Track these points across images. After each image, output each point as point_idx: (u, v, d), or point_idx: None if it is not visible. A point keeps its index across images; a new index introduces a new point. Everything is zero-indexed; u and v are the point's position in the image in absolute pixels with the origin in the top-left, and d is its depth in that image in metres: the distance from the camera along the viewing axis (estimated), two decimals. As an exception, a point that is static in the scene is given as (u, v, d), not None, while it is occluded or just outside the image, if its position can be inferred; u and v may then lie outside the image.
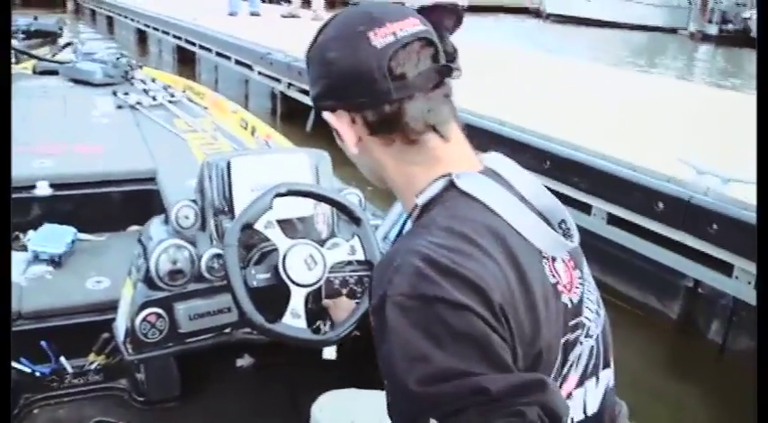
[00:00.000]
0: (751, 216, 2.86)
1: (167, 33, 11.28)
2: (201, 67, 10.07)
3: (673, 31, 25.48)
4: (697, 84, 11.89)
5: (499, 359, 0.75)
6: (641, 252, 3.53)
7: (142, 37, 13.62)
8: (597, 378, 0.95)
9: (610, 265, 3.71)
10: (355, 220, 1.56)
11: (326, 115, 0.95)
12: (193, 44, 9.92)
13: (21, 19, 5.14)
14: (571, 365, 0.90)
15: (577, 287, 0.93)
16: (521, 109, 4.77)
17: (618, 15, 25.73)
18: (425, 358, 0.74)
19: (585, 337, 0.92)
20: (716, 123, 5.02)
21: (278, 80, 7.30)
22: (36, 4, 19.94)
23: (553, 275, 0.89)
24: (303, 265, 1.44)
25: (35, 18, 5.31)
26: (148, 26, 12.57)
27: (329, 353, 1.56)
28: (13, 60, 4.65)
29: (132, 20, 13.86)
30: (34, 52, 4.73)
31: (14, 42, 4.73)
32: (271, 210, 1.44)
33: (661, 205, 3.31)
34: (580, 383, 0.92)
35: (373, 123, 0.91)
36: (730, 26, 23.36)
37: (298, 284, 1.42)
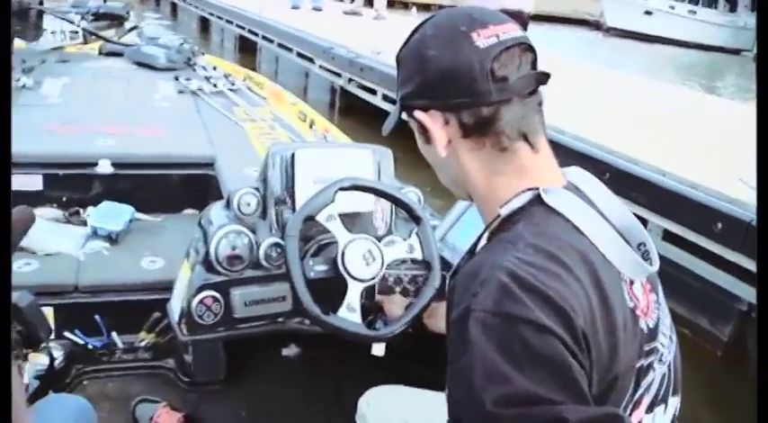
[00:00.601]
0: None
1: (231, 23, 11.46)
2: (262, 58, 10.16)
3: (736, 52, 24.80)
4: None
5: (577, 387, 0.73)
6: (696, 271, 3.48)
7: (205, 25, 13.76)
8: (666, 404, 0.93)
9: (663, 282, 3.66)
10: (415, 219, 1.56)
11: (419, 115, 0.93)
12: (256, 35, 10.05)
13: (91, 1, 5.26)
14: (644, 391, 0.88)
15: (654, 312, 0.90)
16: (577, 119, 4.72)
17: (680, 33, 25.07)
18: (505, 379, 0.72)
19: (659, 362, 0.90)
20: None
21: (338, 75, 7.35)
22: None
23: (631, 299, 0.86)
24: (361, 260, 1.44)
25: (104, 1, 5.41)
26: (212, 14, 12.77)
27: (378, 349, 1.56)
28: (81, 40, 4.76)
29: (196, 7, 14.05)
30: (101, 34, 4.82)
31: (83, 23, 4.83)
32: (332, 203, 1.45)
33: (720, 225, 3.26)
34: (650, 409, 0.90)
35: (468, 125, 0.89)
36: None
37: (355, 278, 1.43)
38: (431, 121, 0.92)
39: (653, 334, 0.89)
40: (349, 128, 7.14)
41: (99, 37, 4.71)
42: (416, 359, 1.73)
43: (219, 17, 12.27)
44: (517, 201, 0.88)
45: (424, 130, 0.94)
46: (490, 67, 0.86)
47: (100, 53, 4.49)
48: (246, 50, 10.83)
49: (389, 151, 1.82)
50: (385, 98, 6.46)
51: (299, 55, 8.40)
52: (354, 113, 7.05)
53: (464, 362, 0.76)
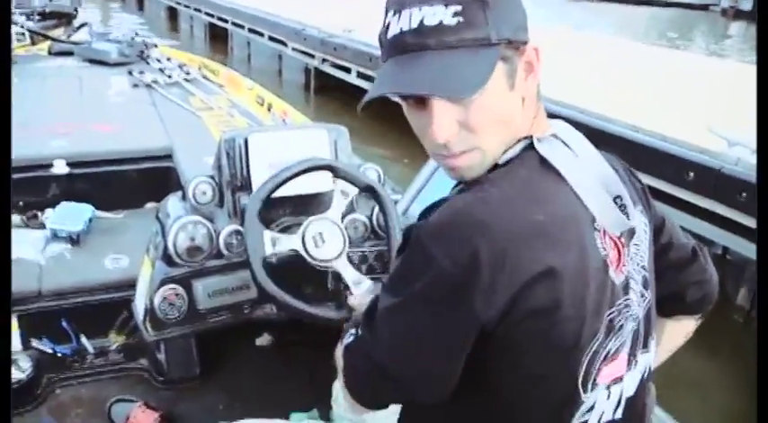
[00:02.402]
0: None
1: (199, 10, 11.41)
2: (234, 43, 10.16)
3: (704, 7, 24.86)
4: (726, 60, 11.69)
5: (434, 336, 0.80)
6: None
7: (173, 14, 13.68)
8: (636, 361, 0.92)
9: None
10: (374, 195, 1.54)
11: (531, 48, 0.85)
12: (226, 21, 10.04)
13: (36, 0, 5.13)
14: (619, 346, 0.87)
15: (625, 266, 0.89)
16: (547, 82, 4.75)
17: None
18: (392, 292, 0.83)
19: (631, 318, 0.89)
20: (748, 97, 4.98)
21: (311, 55, 7.40)
22: None
23: (603, 248, 0.85)
24: (320, 240, 1.41)
25: (50, -1, 5.29)
26: (179, 3, 12.68)
27: None
28: (28, 41, 4.65)
29: None
30: (49, 33, 4.71)
31: (30, 23, 4.72)
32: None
33: (692, 175, 3.34)
34: (629, 365, 0.90)
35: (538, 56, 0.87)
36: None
37: (317, 259, 1.40)
38: (536, 56, 0.86)
39: (624, 288, 0.88)
40: (325, 107, 7.13)
41: (46, 37, 4.61)
42: None
43: (187, 6, 12.19)
44: (513, 151, 0.86)
45: (529, 68, 0.86)
46: None
47: (49, 53, 4.39)
48: (217, 38, 10.84)
49: (345, 129, 1.79)
50: (359, 75, 6.45)
51: (271, 38, 8.42)
52: (329, 92, 7.16)
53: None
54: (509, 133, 0.86)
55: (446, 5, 0.79)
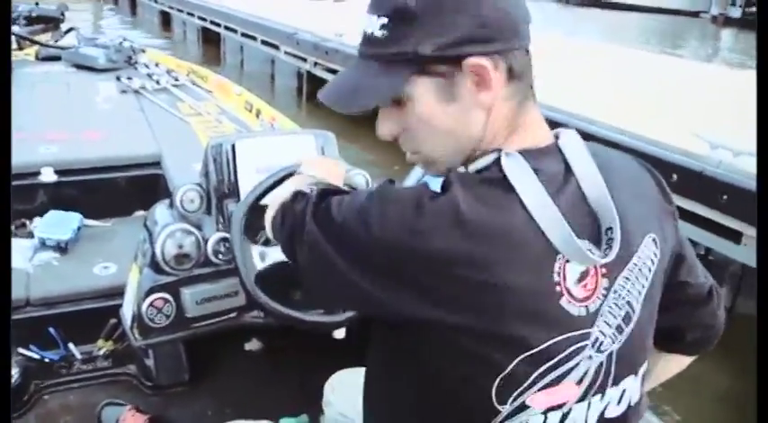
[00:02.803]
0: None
1: (192, 15, 11.42)
2: (227, 48, 10.18)
3: (694, 14, 25.06)
4: (718, 65, 11.81)
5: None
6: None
7: (166, 19, 13.70)
8: (602, 395, 0.90)
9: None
10: None
11: (475, 61, 0.83)
12: (219, 25, 10.07)
13: (22, 5, 5.10)
14: (565, 374, 0.86)
15: (598, 298, 0.87)
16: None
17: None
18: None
19: (595, 350, 0.87)
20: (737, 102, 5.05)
21: (304, 59, 7.46)
22: None
23: (558, 274, 0.83)
24: None
25: (36, 4, 5.25)
26: (173, 8, 12.70)
27: (339, 333, 1.55)
28: (15, 46, 4.63)
29: (156, 2, 13.94)
30: (36, 38, 4.69)
31: (16, 29, 4.69)
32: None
33: (675, 177, 3.37)
34: (582, 398, 0.88)
35: (513, 71, 0.85)
36: (755, 9, 22.80)
37: None
38: (492, 66, 0.84)
39: (585, 320, 0.86)
40: (317, 111, 7.13)
41: (33, 42, 4.59)
42: None
43: (180, 10, 12.20)
44: (484, 160, 0.87)
45: (480, 79, 0.84)
46: (526, 12, 0.85)
47: (36, 58, 4.37)
48: (210, 42, 10.87)
49: (332, 135, 1.80)
50: None
51: (264, 42, 8.47)
52: None
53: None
54: (461, 144, 0.88)
55: (377, 17, 0.84)
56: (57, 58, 4.25)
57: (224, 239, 1.60)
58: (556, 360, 0.84)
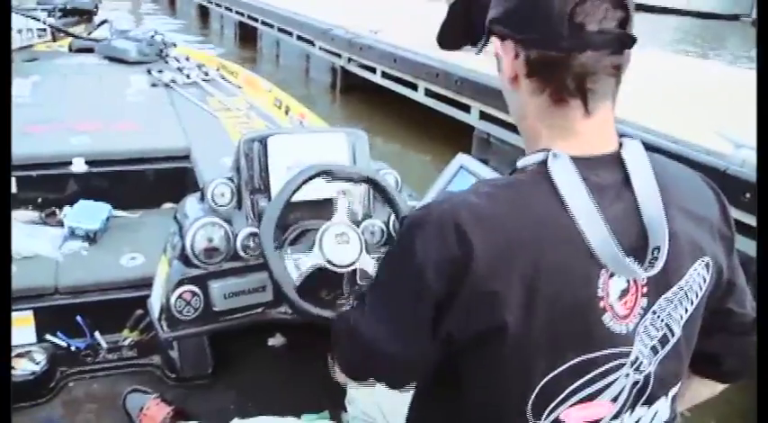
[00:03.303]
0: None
1: (230, 9, 11.56)
2: (263, 43, 10.32)
3: (734, 17, 24.74)
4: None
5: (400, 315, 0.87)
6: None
7: (204, 13, 13.85)
8: (630, 414, 0.90)
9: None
10: (375, 186, 1.56)
11: (494, 41, 0.90)
12: (256, 20, 10.16)
13: (57, -3, 5.18)
14: (603, 389, 0.85)
15: (636, 316, 0.86)
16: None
17: (678, 2, 24.95)
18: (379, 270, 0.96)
19: (633, 370, 0.87)
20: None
21: (338, 55, 7.49)
22: None
23: (603, 289, 0.83)
24: (339, 246, 1.42)
25: (71, -4, 5.33)
26: (211, 2, 12.84)
27: None
28: (49, 38, 4.69)
29: None
30: (70, 30, 4.74)
31: (51, 20, 4.75)
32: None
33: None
34: (616, 416, 0.88)
35: (533, 64, 0.86)
36: None
37: (334, 264, 1.41)
38: (503, 50, 0.89)
39: (626, 337, 0.85)
40: (350, 106, 7.38)
41: (67, 33, 4.64)
42: None
43: (218, 4, 12.34)
44: (533, 157, 0.87)
45: (498, 60, 0.91)
46: (570, 9, 0.82)
47: (70, 50, 4.42)
48: (247, 37, 11.01)
49: (364, 134, 1.80)
50: (384, 75, 6.60)
51: (299, 38, 8.55)
52: (355, 92, 7.40)
53: None
54: (524, 131, 0.93)
55: None
56: (90, 50, 4.30)
57: (253, 234, 1.60)
58: (592, 375, 0.84)
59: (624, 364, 0.86)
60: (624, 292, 0.84)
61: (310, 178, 1.47)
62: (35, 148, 2.50)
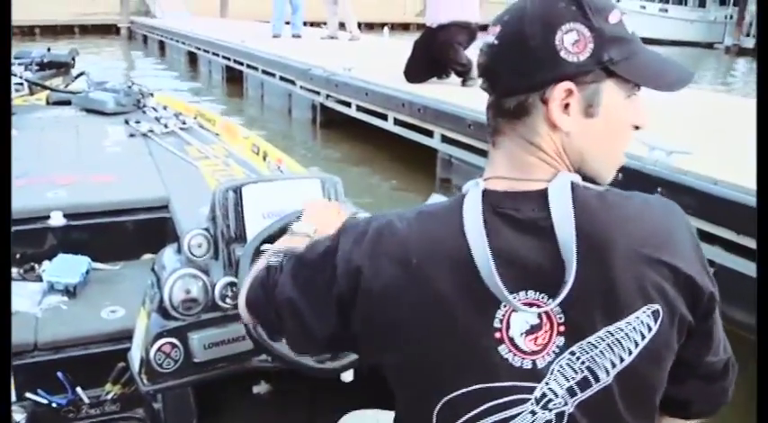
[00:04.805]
0: (687, 179, 3.61)
1: (217, 55, 12.27)
2: (248, 84, 10.94)
3: (709, 45, 25.44)
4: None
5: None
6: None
7: (193, 58, 14.66)
8: None
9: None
10: None
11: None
12: (241, 64, 10.84)
13: (35, 51, 5.21)
14: (503, 421, 0.86)
15: (550, 354, 0.86)
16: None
17: (653, 31, 25.48)
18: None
19: (541, 407, 0.86)
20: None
21: (317, 93, 8.04)
22: (93, 32, 22.49)
23: (501, 322, 0.85)
24: None
25: (48, 49, 5.36)
26: (199, 49, 13.61)
27: (347, 375, 1.55)
28: (26, 92, 4.71)
29: (183, 43, 14.91)
30: (47, 83, 4.77)
31: (28, 74, 4.78)
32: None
33: (620, 175, 3.61)
34: None
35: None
36: None
37: None
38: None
39: (531, 373, 0.85)
40: (329, 138, 7.87)
41: (44, 87, 4.67)
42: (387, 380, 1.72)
43: (206, 50, 13.06)
44: (467, 185, 0.93)
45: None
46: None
47: (47, 103, 4.44)
48: (233, 79, 11.67)
49: (339, 179, 1.82)
50: (358, 108, 7.16)
51: (282, 78, 9.12)
52: (334, 125, 7.99)
53: None
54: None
55: None
56: (67, 103, 4.32)
57: (231, 284, 1.61)
58: (489, 405, 0.86)
59: (528, 400, 0.86)
60: (535, 328, 0.85)
61: (287, 225, 1.48)
62: (12, 203, 2.50)
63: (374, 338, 0.92)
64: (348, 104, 7.35)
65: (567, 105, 0.88)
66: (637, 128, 0.94)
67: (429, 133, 6.04)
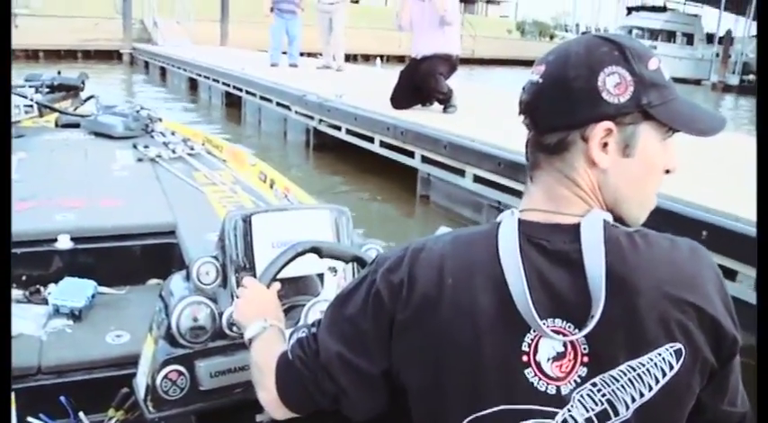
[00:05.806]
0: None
1: (217, 81, 12.78)
2: (247, 109, 11.41)
3: (697, 82, 25.89)
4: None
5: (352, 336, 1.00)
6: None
7: (193, 85, 15.08)
8: None
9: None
10: (362, 264, 1.58)
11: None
12: (240, 90, 11.37)
13: (45, 74, 5.25)
14: None
15: (572, 381, 0.87)
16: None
17: None
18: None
19: None
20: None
21: (311, 117, 8.59)
22: (96, 57, 22.76)
23: (529, 346, 0.87)
24: None
25: (59, 72, 5.41)
26: (200, 75, 14.06)
27: None
28: (36, 114, 4.74)
29: (185, 70, 15.33)
30: (57, 106, 4.81)
31: (38, 96, 4.82)
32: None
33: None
34: None
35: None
36: (752, 76, 23.71)
37: None
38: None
39: (555, 399, 0.87)
40: (321, 160, 8.42)
41: (54, 109, 4.70)
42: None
43: (206, 77, 13.52)
44: (503, 214, 0.97)
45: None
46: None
47: (56, 125, 4.47)
48: (232, 104, 12.19)
49: (347, 210, 1.83)
50: (348, 132, 7.74)
51: (278, 104, 9.67)
52: (326, 148, 8.58)
53: None
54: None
55: None
56: (76, 126, 4.35)
57: None
58: None
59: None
60: (560, 355, 0.88)
61: (299, 254, 1.49)
62: (20, 225, 2.51)
63: (405, 352, 0.93)
64: (339, 128, 7.99)
65: (605, 144, 0.92)
66: (668, 171, 0.98)
67: (410, 154, 6.68)
